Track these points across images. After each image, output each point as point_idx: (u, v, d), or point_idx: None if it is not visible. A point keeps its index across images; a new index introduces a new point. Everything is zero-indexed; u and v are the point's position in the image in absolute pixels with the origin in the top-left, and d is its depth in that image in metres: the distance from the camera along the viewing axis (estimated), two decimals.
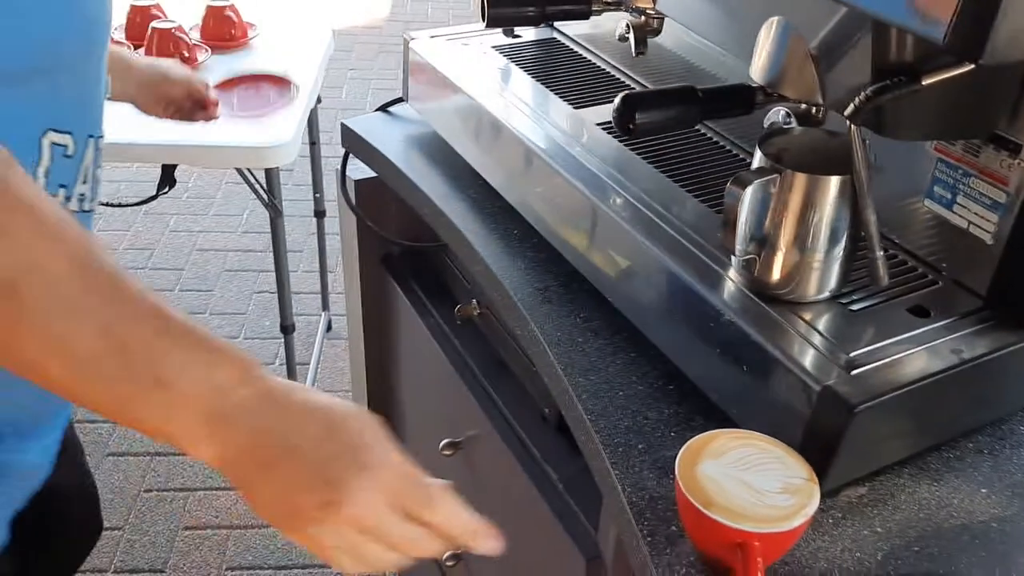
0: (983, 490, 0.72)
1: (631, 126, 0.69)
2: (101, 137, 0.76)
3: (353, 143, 1.22)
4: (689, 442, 0.64)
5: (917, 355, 0.68)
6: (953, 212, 0.75)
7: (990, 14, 0.48)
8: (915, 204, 0.78)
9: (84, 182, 0.72)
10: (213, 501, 1.87)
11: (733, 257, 0.73)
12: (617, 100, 0.70)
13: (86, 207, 0.73)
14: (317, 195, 2.20)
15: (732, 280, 0.76)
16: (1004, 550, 0.67)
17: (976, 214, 0.73)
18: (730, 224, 0.68)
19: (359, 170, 1.25)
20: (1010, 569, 0.65)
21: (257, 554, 1.77)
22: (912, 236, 0.79)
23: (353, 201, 1.26)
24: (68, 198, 0.70)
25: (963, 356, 0.68)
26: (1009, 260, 0.72)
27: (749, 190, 0.68)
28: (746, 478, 0.62)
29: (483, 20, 0.90)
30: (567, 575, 0.94)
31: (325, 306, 2.38)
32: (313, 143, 2.08)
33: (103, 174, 0.78)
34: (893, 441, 0.70)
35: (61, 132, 0.66)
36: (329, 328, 2.35)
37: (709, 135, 0.97)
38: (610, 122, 0.78)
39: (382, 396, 1.48)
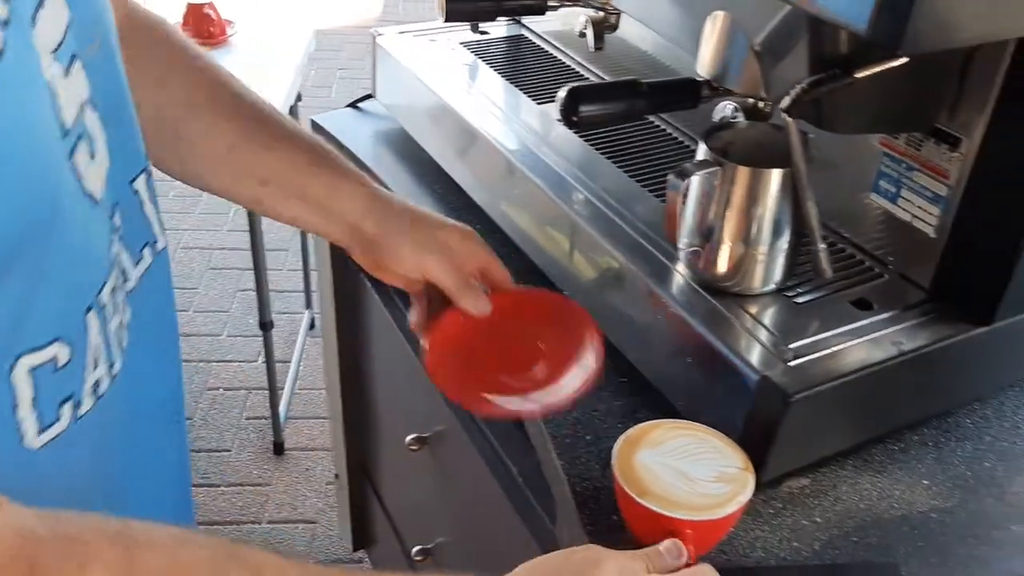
0: (925, 482, 0.72)
1: (575, 118, 0.70)
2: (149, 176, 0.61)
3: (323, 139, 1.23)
4: (627, 432, 0.65)
5: (857, 347, 0.69)
6: (898, 206, 0.75)
7: (909, 3, 0.49)
8: (862, 198, 0.79)
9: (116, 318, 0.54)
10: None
11: (679, 250, 0.74)
12: (562, 93, 0.70)
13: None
14: None
15: (680, 274, 0.76)
16: (943, 541, 0.67)
17: (919, 207, 0.74)
18: (671, 215, 0.69)
19: None
20: (946, 559, 0.66)
21: None
22: (860, 230, 0.80)
23: None
24: (79, 400, 0.51)
25: (903, 348, 0.69)
26: (951, 253, 0.72)
27: (691, 182, 0.68)
28: (682, 467, 0.62)
29: (441, 15, 0.91)
30: None
31: (309, 304, 2.39)
32: None
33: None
34: (834, 432, 0.71)
35: (40, 348, 0.47)
36: (312, 326, 2.36)
37: (672, 133, 0.98)
38: None
39: (356, 393, 1.49)
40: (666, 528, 0.60)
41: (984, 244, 0.70)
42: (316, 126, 1.23)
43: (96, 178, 0.51)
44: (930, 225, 0.73)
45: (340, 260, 1.35)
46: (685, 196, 0.71)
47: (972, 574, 0.65)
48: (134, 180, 0.58)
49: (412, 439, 1.18)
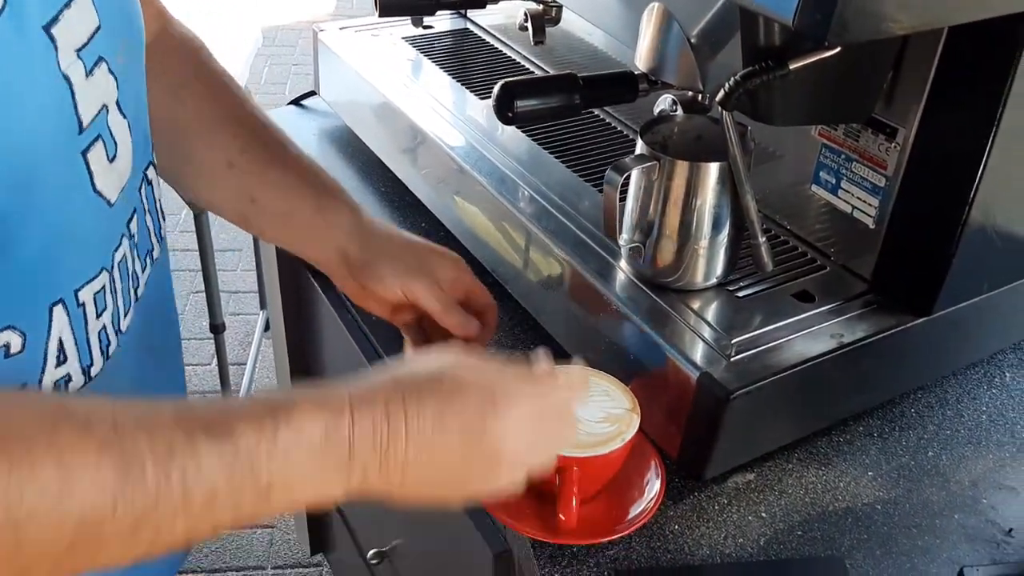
0: (870, 473, 0.72)
1: (510, 114, 0.68)
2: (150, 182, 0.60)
3: None
4: None
5: (798, 340, 0.69)
6: (838, 197, 0.75)
7: None
8: (804, 190, 0.78)
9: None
10: None
11: (620, 246, 0.73)
12: (496, 88, 0.69)
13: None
14: None
15: (623, 271, 0.76)
16: (886, 532, 0.67)
17: (859, 198, 0.73)
18: (609, 211, 0.68)
19: None
20: (891, 549, 0.66)
21: (190, 557, 1.75)
22: (802, 222, 0.80)
23: None
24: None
25: (843, 340, 0.69)
26: (890, 243, 0.72)
27: (629, 177, 0.68)
28: None
29: (376, 8, 0.89)
30: (478, 568, 0.93)
31: (263, 305, 2.35)
32: None
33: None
34: (777, 426, 0.71)
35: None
36: (267, 327, 2.32)
37: (618, 127, 0.97)
38: None
39: None
40: (553, 465, 0.60)
41: (922, 234, 0.70)
42: None
43: (112, 181, 0.52)
44: (869, 216, 0.73)
45: (287, 260, 1.33)
46: (624, 191, 0.70)
47: (915, 564, 0.65)
48: (139, 188, 0.58)
49: None
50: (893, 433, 0.76)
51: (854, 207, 0.74)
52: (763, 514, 0.68)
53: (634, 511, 0.64)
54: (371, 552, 1.24)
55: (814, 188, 0.77)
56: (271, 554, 1.76)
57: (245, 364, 2.19)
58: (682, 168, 0.68)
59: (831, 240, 0.78)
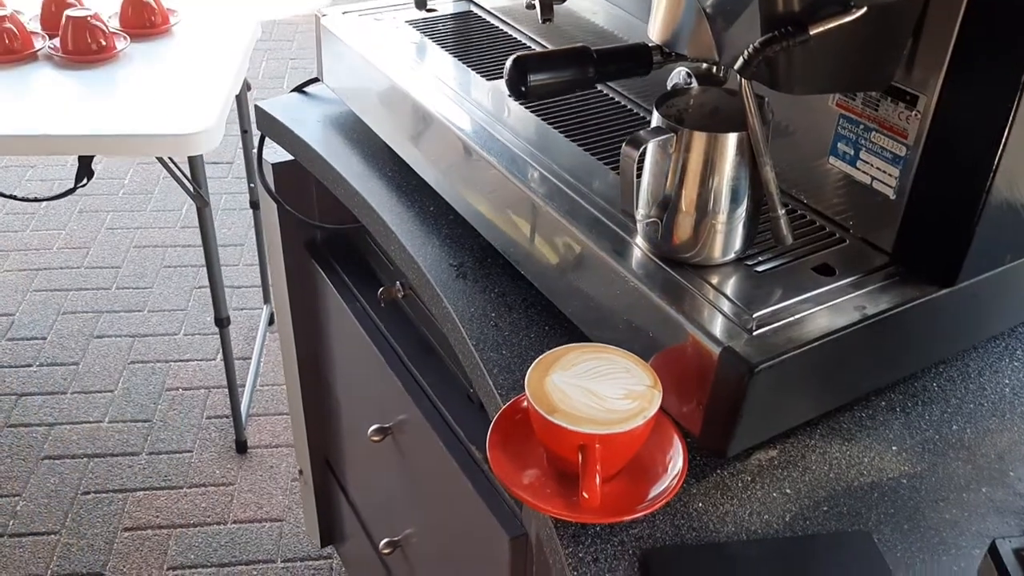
0: (894, 447, 0.71)
1: (523, 88, 0.67)
2: None
3: (268, 126, 1.19)
4: (540, 356, 0.65)
5: (820, 313, 0.67)
6: (857, 168, 0.74)
7: None
8: (821, 163, 0.77)
9: None
10: (153, 501, 1.83)
11: (636, 222, 0.72)
12: (508, 63, 0.67)
13: None
14: (252, 186, 2.16)
15: (639, 247, 0.74)
16: (913, 505, 0.66)
17: (879, 169, 0.72)
18: (626, 185, 0.67)
19: (279, 154, 1.22)
20: (918, 524, 0.65)
21: (199, 552, 1.74)
22: (820, 196, 0.79)
23: (271, 185, 1.23)
24: None
25: (866, 312, 0.68)
26: (911, 214, 0.71)
27: (646, 151, 0.66)
28: (591, 386, 0.63)
29: None
30: (494, 553, 0.92)
31: (267, 299, 2.34)
32: (245, 131, 2.04)
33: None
34: (800, 401, 0.69)
35: None
36: (271, 321, 2.31)
37: (630, 107, 0.96)
38: None
39: (316, 387, 1.45)
40: (576, 443, 0.60)
41: (945, 203, 0.69)
42: (262, 112, 1.19)
43: None
44: (890, 187, 0.72)
45: (293, 252, 1.32)
46: (640, 167, 0.69)
47: (944, 538, 0.64)
48: None
49: (374, 430, 1.15)
50: (916, 407, 0.75)
51: (873, 178, 0.73)
52: (788, 490, 0.67)
53: (657, 489, 0.63)
54: (383, 542, 1.24)
55: (832, 160, 0.76)
56: (280, 547, 1.75)
57: (250, 359, 2.18)
58: (700, 140, 0.67)
59: (850, 213, 0.76)
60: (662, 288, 0.70)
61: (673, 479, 0.63)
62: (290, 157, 1.20)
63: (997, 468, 0.69)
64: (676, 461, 0.64)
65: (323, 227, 1.25)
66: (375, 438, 1.14)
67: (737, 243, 0.71)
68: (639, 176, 0.71)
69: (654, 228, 0.71)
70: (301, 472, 1.59)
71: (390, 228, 0.96)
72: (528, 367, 0.64)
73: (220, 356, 2.19)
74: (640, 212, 0.71)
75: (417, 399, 1.06)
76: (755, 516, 0.65)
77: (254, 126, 2.10)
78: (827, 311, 0.68)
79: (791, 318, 0.67)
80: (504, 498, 0.92)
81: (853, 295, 0.70)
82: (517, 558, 0.88)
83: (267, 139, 1.21)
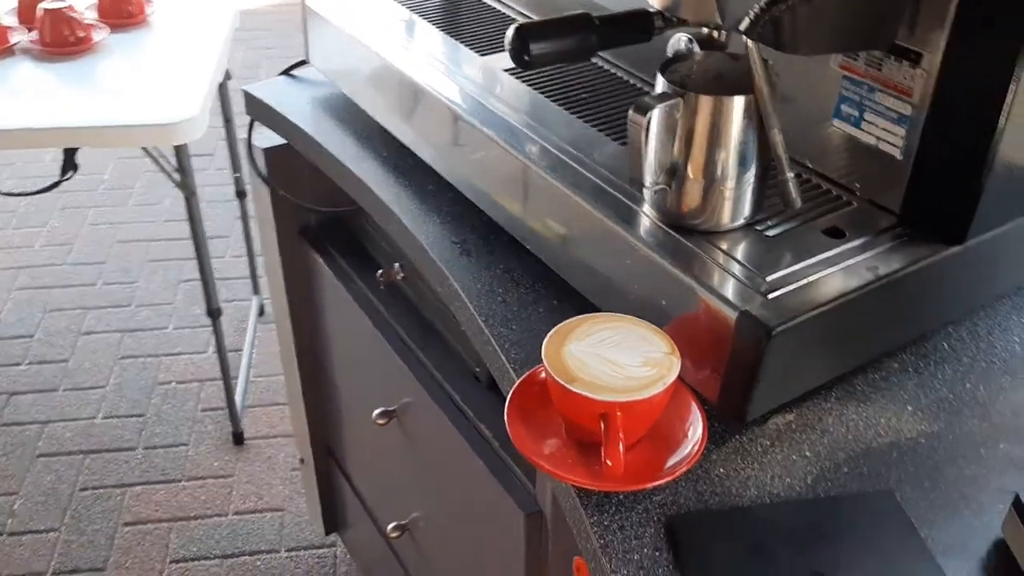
0: (909, 407, 0.71)
1: (526, 57, 0.66)
2: None
3: (257, 110, 1.17)
4: (556, 327, 0.65)
5: (833, 275, 0.67)
6: (862, 130, 0.74)
7: None
8: (825, 126, 0.77)
9: None
10: (152, 495, 1.82)
11: (644, 189, 0.71)
12: (510, 32, 0.67)
13: None
14: (237, 175, 2.14)
15: (647, 215, 0.74)
16: (932, 463, 0.66)
17: (884, 129, 0.72)
18: (635, 153, 0.66)
19: (268, 139, 1.21)
20: (938, 481, 0.65)
21: (201, 545, 1.73)
22: (825, 159, 0.78)
23: (263, 170, 1.21)
24: None
25: (879, 272, 0.67)
26: (919, 174, 0.71)
27: (651, 117, 0.66)
28: (609, 355, 0.63)
29: None
30: (508, 531, 0.92)
31: (256, 290, 2.32)
32: (228, 121, 2.01)
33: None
34: (816, 364, 0.69)
35: None
36: (262, 312, 2.30)
37: (624, 77, 0.95)
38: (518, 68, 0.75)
39: (315, 375, 1.44)
40: (596, 412, 0.60)
41: (952, 161, 0.69)
42: (250, 97, 1.17)
43: None
44: (896, 147, 0.71)
45: (288, 239, 1.30)
46: (647, 132, 0.68)
47: (964, 494, 0.64)
48: None
49: (379, 413, 1.14)
50: (928, 367, 0.75)
51: (879, 139, 0.72)
52: (807, 453, 0.67)
53: (678, 456, 0.63)
54: (391, 526, 1.23)
55: (836, 123, 0.75)
56: (283, 536, 1.74)
57: (241, 351, 2.16)
58: (707, 104, 0.66)
59: (856, 175, 0.76)
60: (673, 255, 0.70)
61: (694, 445, 0.63)
62: (281, 142, 1.18)
63: (1013, 424, 0.70)
64: (696, 428, 0.64)
65: (320, 211, 1.23)
66: (380, 421, 1.14)
67: (746, 208, 0.71)
68: (646, 143, 0.70)
69: (663, 195, 0.71)
70: (302, 461, 1.58)
71: (390, 208, 0.95)
72: (539, 341, 0.64)
73: (211, 349, 2.17)
74: (648, 179, 0.71)
75: (423, 380, 1.05)
76: (776, 480, 0.65)
77: (237, 115, 2.08)
78: (839, 273, 0.68)
79: (804, 280, 0.67)
80: (516, 475, 0.91)
81: (864, 256, 0.69)
82: (532, 535, 0.88)
83: (255, 125, 1.19)
